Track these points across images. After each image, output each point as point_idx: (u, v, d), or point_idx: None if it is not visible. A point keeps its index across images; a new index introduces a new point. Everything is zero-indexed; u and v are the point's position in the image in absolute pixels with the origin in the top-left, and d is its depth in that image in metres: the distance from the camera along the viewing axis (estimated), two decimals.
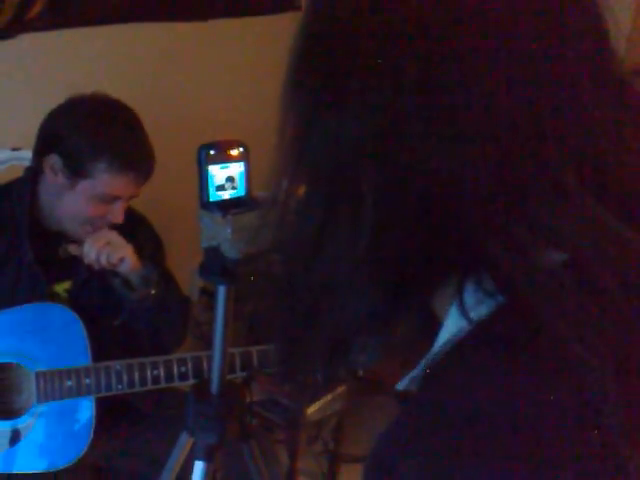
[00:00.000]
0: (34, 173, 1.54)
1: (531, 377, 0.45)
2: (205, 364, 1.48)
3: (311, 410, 2.32)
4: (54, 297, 1.55)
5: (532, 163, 0.46)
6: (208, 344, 1.61)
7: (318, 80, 0.53)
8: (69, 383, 1.43)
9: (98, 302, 1.58)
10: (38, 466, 1.46)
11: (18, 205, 1.53)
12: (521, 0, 0.47)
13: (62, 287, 1.57)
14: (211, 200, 0.92)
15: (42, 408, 1.45)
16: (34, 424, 1.45)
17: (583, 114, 0.47)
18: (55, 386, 1.43)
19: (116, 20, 2.09)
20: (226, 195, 0.93)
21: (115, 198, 1.50)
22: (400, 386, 0.56)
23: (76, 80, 1.55)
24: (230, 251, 0.88)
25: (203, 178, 0.91)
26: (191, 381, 1.49)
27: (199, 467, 0.98)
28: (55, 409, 1.45)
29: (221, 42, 2.53)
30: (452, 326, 0.51)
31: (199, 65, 2.48)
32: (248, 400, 1.04)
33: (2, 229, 1.51)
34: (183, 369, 1.48)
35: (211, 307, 2.54)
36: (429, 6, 0.47)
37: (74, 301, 1.55)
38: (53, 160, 1.48)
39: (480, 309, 0.48)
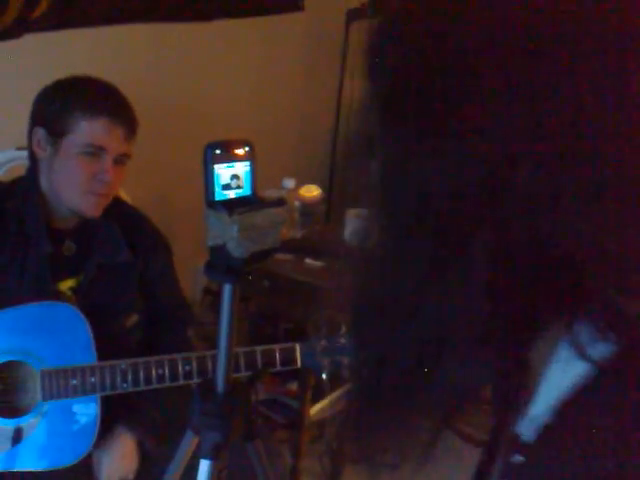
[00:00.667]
0: (34, 166, 1.57)
1: None
2: (210, 363, 1.49)
3: (314, 410, 2.32)
4: (58, 295, 1.55)
5: None
6: (212, 344, 1.62)
7: (417, 117, 0.48)
8: (74, 382, 1.43)
9: (106, 301, 1.59)
10: (40, 465, 1.46)
11: (24, 202, 1.55)
12: None
13: (66, 285, 1.57)
14: (217, 199, 0.92)
15: (47, 407, 1.45)
16: (38, 423, 1.45)
17: None
18: (60, 384, 1.43)
19: (121, 20, 2.10)
20: (232, 194, 0.93)
21: (100, 149, 1.51)
22: (523, 434, 0.52)
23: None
24: (236, 250, 0.88)
25: (209, 177, 0.91)
26: (195, 380, 1.50)
27: (205, 466, 0.98)
28: (60, 408, 1.45)
29: (225, 42, 2.54)
30: (561, 370, 0.49)
31: (204, 65, 2.49)
32: (253, 399, 1.04)
33: (7, 228, 1.51)
34: (188, 368, 1.49)
35: (214, 307, 2.55)
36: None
37: (80, 299, 1.55)
38: (37, 134, 1.53)
39: (597, 349, 0.46)
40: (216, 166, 0.92)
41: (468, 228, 0.46)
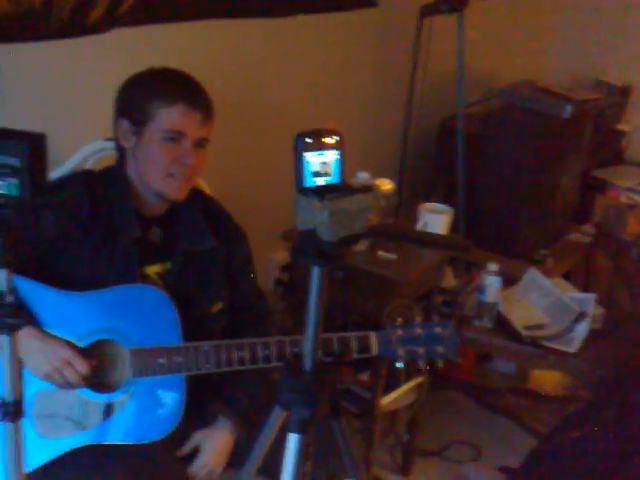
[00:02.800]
0: (121, 156, 1.66)
1: None
2: (288, 348, 1.54)
3: (386, 401, 2.35)
4: (145, 278, 1.63)
5: None
6: (284, 332, 1.67)
7: None
8: (161, 360, 1.51)
9: (193, 288, 1.66)
10: (127, 439, 1.53)
11: (113, 189, 1.63)
12: None
13: (152, 270, 1.65)
14: (307, 185, 0.96)
15: (136, 384, 1.52)
16: (127, 399, 1.53)
17: None
18: (149, 363, 1.51)
19: (204, 16, 2.17)
20: (321, 181, 0.97)
21: (179, 134, 1.58)
22: None
23: None
24: (326, 234, 0.92)
25: (299, 164, 0.95)
26: (274, 364, 1.55)
27: (293, 439, 1.03)
28: (147, 386, 1.53)
29: (301, 38, 2.59)
30: None
31: (280, 61, 2.55)
32: (337, 380, 1.08)
33: (100, 212, 1.60)
34: (267, 352, 1.54)
35: (286, 297, 2.59)
36: None
37: (168, 285, 1.62)
38: (122, 126, 1.62)
39: None
40: (306, 154, 0.96)
41: None
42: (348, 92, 2.87)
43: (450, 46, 2.82)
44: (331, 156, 0.98)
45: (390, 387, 2.35)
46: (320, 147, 0.97)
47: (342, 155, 0.98)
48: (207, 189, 1.93)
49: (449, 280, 2.75)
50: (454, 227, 2.67)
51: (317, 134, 0.96)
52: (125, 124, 1.61)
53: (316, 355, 1.02)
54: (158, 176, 1.60)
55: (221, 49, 2.30)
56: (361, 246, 2.22)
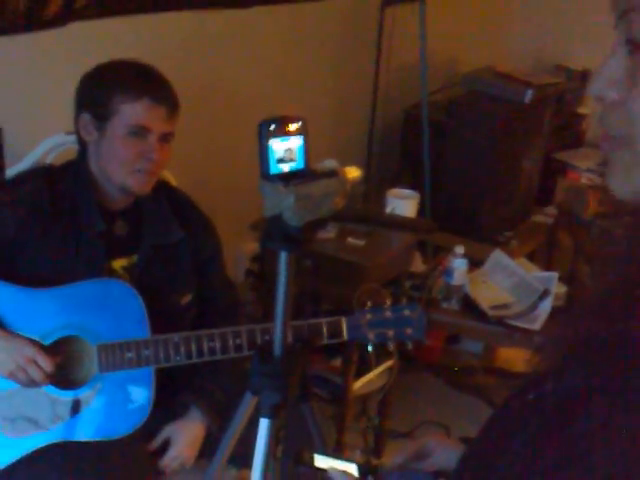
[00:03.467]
0: (82, 150, 1.64)
1: None
2: (259, 337, 1.54)
3: (357, 386, 2.38)
4: (111, 273, 1.62)
5: None
6: (254, 322, 1.67)
7: None
8: (129, 354, 1.50)
9: (160, 280, 1.65)
10: (97, 435, 1.53)
11: (76, 183, 1.61)
12: None
13: (119, 264, 1.64)
14: (272, 172, 0.96)
15: (103, 379, 1.52)
16: (95, 395, 1.52)
17: None
18: (116, 357, 1.50)
19: (162, 7, 2.16)
20: (286, 167, 0.98)
21: (144, 129, 1.57)
22: None
23: None
24: (292, 219, 0.93)
25: (264, 151, 0.96)
26: (245, 353, 1.55)
27: (264, 424, 1.04)
28: (115, 380, 1.52)
29: (262, 28, 2.58)
30: None
31: (242, 51, 2.54)
32: (306, 364, 1.10)
33: (62, 206, 1.58)
34: (238, 341, 1.54)
35: (256, 287, 2.59)
36: None
37: (135, 279, 1.62)
38: (83, 120, 1.59)
39: None
40: (271, 141, 0.96)
41: None
42: (313, 82, 2.87)
43: (412, 35, 2.84)
44: (295, 142, 0.98)
45: (361, 372, 2.37)
46: (284, 134, 0.97)
47: (306, 141, 0.99)
48: (173, 180, 1.93)
49: (418, 265, 2.78)
50: (421, 212, 2.71)
51: (280, 121, 0.97)
52: (87, 118, 1.59)
53: (286, 340, 1.03)
54: (122, 171, 1.59)
55: (182, 41, 2.29)
56: (330, 233, 2.23)
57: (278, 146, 0.97)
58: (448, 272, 2.55)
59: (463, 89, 3.10)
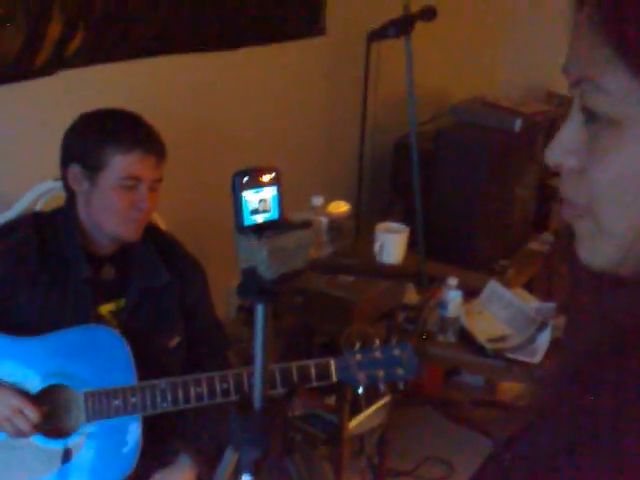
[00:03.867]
0: (70, 198, 1.64)
1: None
2: (246, 380, 1.53)
3: (353, 424, 2.35)
4: (99, 319, 1.61)
5: None
6: (248, 360, 1.66)
7: None
8: (116, 402, 1.49)
9: (148, 324, 1.65)
10: None
11: (63, 231, 1.61)
12: None
13: (106, 309, 1.63)
14: (246, 224, 0.96)
15: (91, 427, 1.50)
16: (84, 443, 1.51)
17: None
18: (103, 405, 1.49)
19: (152, 53, 2.17)
20: (260, 219, 0.97)
21: (136, 180, 1.57)
22: None
23: None
24: (266, 272, 0.92)
25: (238, 204, 0.96)
26: (233, 398, 1.54)
27: None
28: (103, 428, 1.51)
29: (251, 69, 2.60)
30: None
31: (232, 92, 2.56)
32: (290, 415, 1.08)
33: (49, 254, 1.58)
34: (225, 386, 1.53)
35: (249, 323, 2.59)
36: None
37: (123, 323, 1.61)
38: (73, 171, 1.60)
39: None
40: (244, 193, 0.96)
41: None
42: (302, 118, 2.88)
43: (400, 67, 2.85)
44: (269, 193, 0.98)
45: (357, 410, 2.35)
46: (257, 185, 0.97)
47: (280, 191, 0.99)
48: (162, 223, 1.93)
49: (412, 296, 2.76)
50: (414, 243, 2.70)
51: (254, 172, 0.97)
52: (77, 169, 1.59)
53: (265, 392, 1.02)
54: (114, 222, 1.59)
55: (172, 85, 2.30)
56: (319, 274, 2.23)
57: (252, 197, 0.97)
58: (442, 304, 2.52)
59: (451, 120, 3.11)
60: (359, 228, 2.94)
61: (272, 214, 0.98)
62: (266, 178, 0.97)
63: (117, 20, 2.03)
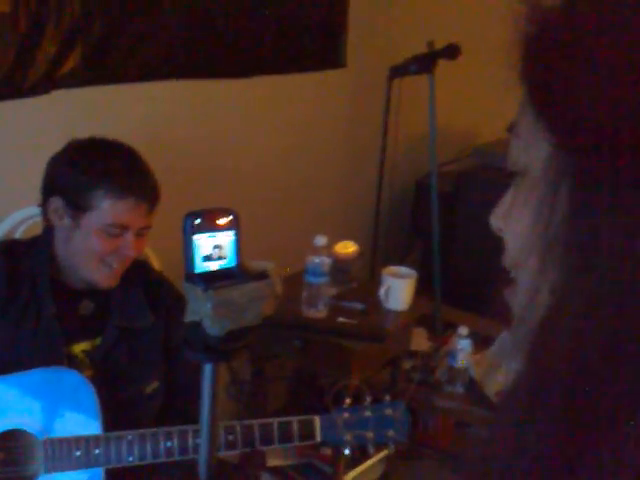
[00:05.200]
0: (49, 229, 1.54)
1: None
2: (223, 435, 1.41)
3: (351, 476, 2.21)
4: (71, 359, 1.51)
5: None
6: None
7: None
8: (78, 453, 1.37)
9: (125, 366, 1.54)
10: None
11: (37, 260, 1.52)
12: None
13: (80, 348, 1.53)
14: (197, 272, 0.85)
15: (51, 478, 1.39)
16: None
17: None
18: (64, 455, 1.37)
19: (156, 77, 2.10)
20: (214, 266, 0.86)
21: (123, 228, 1.46)
22: None
23: (109, 136, 1.54)
24: (211, 328, 0.81)
25: (188, 248, 0.85)
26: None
27: None
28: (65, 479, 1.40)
29: (266, 99, 2.52)
30: None
31: (246, 122, 2.47)
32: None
33: (21, 286, 1.49)
34: (199, 441, 1.41)
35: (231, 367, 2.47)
36: None
37: (97, 364, 1.50)
38: (55, 203, 1.48)
39: None
40: (196, 236, 0.85)
41: None
42: (319, 153, 2.79)
43: (422, 105, 2.75)
44: (226, 238, 0.87)
45: (357, 460, 2.21)
46: (212, 228, 0.86)
47: (238, 236, 0.88)
48: (155, 262, 1.83)
49: (422, 342, 2.63)
50: (429, 287, 2.58)
51: (207, 214, 0.86)
52: (59, 203, 1.48)
53: (212, 461, 0.90)
54: (91, 263, 1.49)
55: (172, 112, 2.22)
56: (320, 312, 2.11)
57: (205, 242, 0.86)
58: (452, 353, 2.41)
59: (474, 161, 3.00)
60: (374, 271, 2.83)
61: (229, 262, 0.87)
62: (222, 221, 0.86)
63: (116, 41, 1.95)
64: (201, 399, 0.87)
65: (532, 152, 0.48)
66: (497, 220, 0.54)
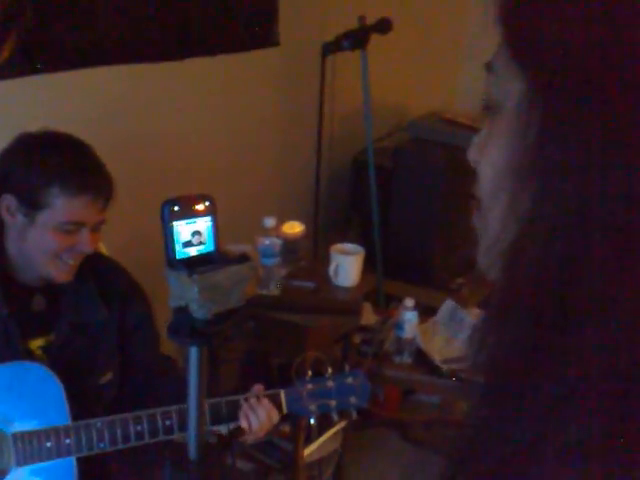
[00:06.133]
0: (0, 226, 1.50)
1: None
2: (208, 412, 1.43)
3: (308, 451, 2.26)
4: (29, 354, 1.49)
5: None
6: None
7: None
8: (48, 444, 1.37)
9: (79, 360, 1.53)
10: None
11: None
12: None
13: (36, 344, 1.51)
14: (178, 258, 0.87)
15: (22, 471, 1.39)
16: None
17: None
18: (34, 448, 1.37)
19: (88, 64, 2.07)
20: (193, 251, 0.89)
21: (79, 225, 1.46)
22: None
23: (48, 127, 1.52)
24: (198, 311, 0.84)
25: (168, 235, 0.87)
26: (176, 434, 1.44)
27: None
28: (36, 472, 1.40)
29: (200, 80, 2.51)
30: None
31: (180, 104, 2.46)
32: (229, 462, 1.00)
33: None
34: (168, 422, 1.43)
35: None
36: None
37: (52, 359, 1.49)
38: (7, 201, 1.46)
39: None
40: (175, 223, 0.87)
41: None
42: (255, 134, 2.80)
43: (356, 81, 2.79)
44: (203, 223, 0.90)
45: (313, 436, 2.27)
46: (190, 215, 0.89)
47: (215, 221, 0.91)
48: (103, 248, 1.82)
49: (369, 316, 2.70)
50: (371, 261, 2.64)
51: (185, 201, 0.88)
52: (12, 201, 1.45)
53: (201, 441, 0.93)
54: (47, 262, 1.47)
55: (107, 98, 2.19)
56: (273, 292, 2.14)
57: (183, 228, 0.88)
58: (399, 325, 2.48)
59: (408, 135, 3.07)
60: (317, 248, 2.87)
61: (207, 246, 0.90)
62: (199, 207, 0.89)
63: (50, 29, 1.91)
64: (188, 381, 0.89)
65: (506, 87, 0.51)
66: (474, 152, 0.57)
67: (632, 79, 0.46)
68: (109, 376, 1.58)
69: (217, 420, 1.46)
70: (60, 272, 1.49)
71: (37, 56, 1.89)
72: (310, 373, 1.56)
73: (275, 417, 1.47)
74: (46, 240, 1.45)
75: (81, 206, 1.44)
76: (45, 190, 1.42)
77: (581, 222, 0.46)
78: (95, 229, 1.50)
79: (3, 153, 1.49)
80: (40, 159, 1.45)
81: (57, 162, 1.45)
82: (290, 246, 2.25)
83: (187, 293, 0.84)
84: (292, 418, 2.15)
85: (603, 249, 0.46)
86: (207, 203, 0.90)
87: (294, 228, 2.25)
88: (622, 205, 0.45)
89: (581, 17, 0.47)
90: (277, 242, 2.08)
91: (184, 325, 0.86)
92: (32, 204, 1.43)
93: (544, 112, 0.48)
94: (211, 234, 0.90)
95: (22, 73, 1.87)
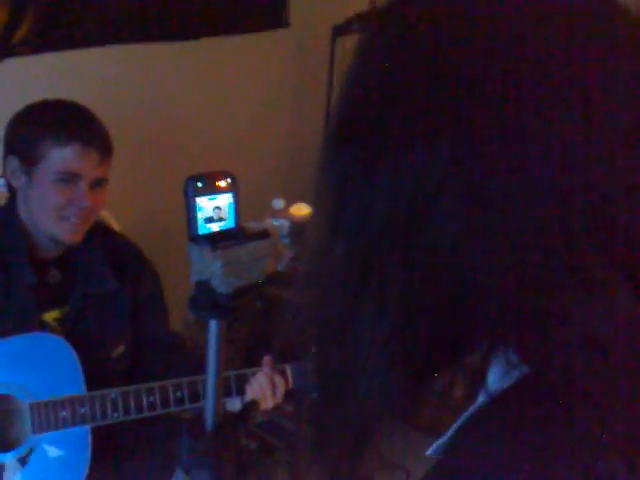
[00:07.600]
0: (12, 195, 1.55)
1: (537, 454, 0.43)
2: (201, 389, 1.47)
3: None
4: (43, 326, 1.52)
5: (566, 254, 0.43)
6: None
7: (355, 145, 0.49)
8: (64, 413, 1.41)
9: (93, 332, 1.56)
10: None
11: (4, 232, 1.53)
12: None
13: (51, 316, 1.55)
14: (200, 233, 0.90)
15: (38, 439, 1.42)
16: (31, 455, 1.43)
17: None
18: (50, 417, 1.41)
19: (104, 42, 2.08)
20: (215, 227, 0.91)
21: (75, 176, 1.48)
22: (429, 452, 0.55)
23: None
24: (220, 286, 0.86)
25: (191, 211, 0.89)
26: (187, 406, 1.48)
27: None
28: (51, 440, 1.43)
29: (210, 61, 2.52)
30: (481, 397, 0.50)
31: (189, 84, 2.47)
32: (244, 435, 1.02)
33: None
34: (179, 394, 1.47)
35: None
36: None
37: (66, 331, 1.53)
38: (11, 163, 1.51)
39: (504, 381, 0.47)
40: (198, 199, 0.90)
41: (388, 253, 0.47)
42: (263, 116, 2.81)
43: None
44: (225, 200, 0.92)
45: None
46: (212, 191, 0.91)
47: (236, 198, 0.93)
48: (114, 224, 1.84)
49: None
50: None
51: (208, 177, 0.91)
52: (14, 162, 1.50)
53: (218, 412, 0.96)
54: (50, 218, 1.50)
55: (121, 76, 2.21)
56: (282, 271, 2.16)
57: (206, 204, 0.91)
58: None
59: None
60: None
61: (228, 222, 0.92)
62: (222, 184, 0.91)
63: (67, 7, 1.93)
64: (207, 353, 0.92)
65: None
66: None
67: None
68: (121, 349, 1.61)
69: (226, 393, 1.49)
70: (66, 232, 1.51)
71: (53, 34, 1.91)
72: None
73: (281, 386, 1.50)
74: (45, 196, 1.49)
75: (73, 155, 1.47)
76: (38, 143, 1.47)
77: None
78: (95, 185, 1.52)
79: (8, 123, 1.54)
80: (35, 117, 1.51)
81: (49, 116, 1.50)
82: (298, 228, 2.27)
83: (209, 268, 0.86)
84: (295, 398, 2.19)
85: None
86: (229, 180, 0.92)
87: (302, 210, 2.27)
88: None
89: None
90: (285, 224, 2.10)
91: (206, 299, 0.89)
92: (29, 160, 1.48)
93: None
94: (232, 210, 0.93)
95: (37, 50, 1.89)
